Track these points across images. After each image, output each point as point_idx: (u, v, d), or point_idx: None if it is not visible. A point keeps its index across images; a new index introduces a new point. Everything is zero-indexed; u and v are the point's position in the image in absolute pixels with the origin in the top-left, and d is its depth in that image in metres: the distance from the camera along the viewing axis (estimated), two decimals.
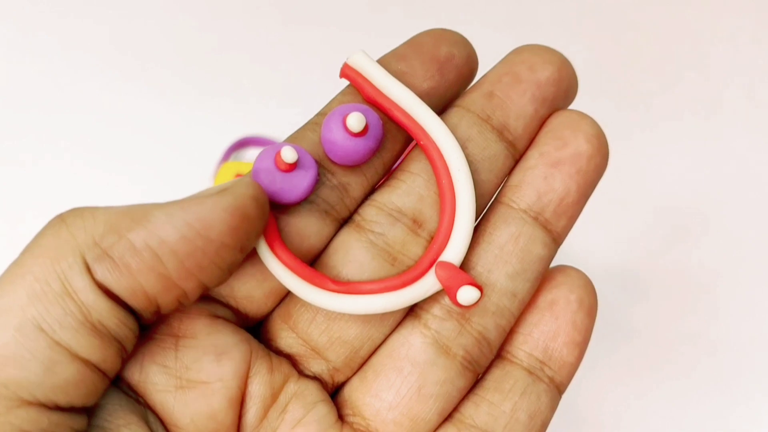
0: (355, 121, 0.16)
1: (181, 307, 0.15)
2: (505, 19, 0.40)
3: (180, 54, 0.38)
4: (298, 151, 0.16)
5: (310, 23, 0.39)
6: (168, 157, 0.35)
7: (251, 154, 0.36)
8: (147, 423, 0.15)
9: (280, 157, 0.16)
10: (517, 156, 0.18)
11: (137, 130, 0.36)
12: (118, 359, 0.15)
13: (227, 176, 0.33)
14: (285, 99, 0.37)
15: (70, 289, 0.14)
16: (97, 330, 0.14)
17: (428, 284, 0.17)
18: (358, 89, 0.17)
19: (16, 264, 0.14)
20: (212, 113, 0.36)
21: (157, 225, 0.15)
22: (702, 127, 0.37)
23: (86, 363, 0.14)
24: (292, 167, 0.16)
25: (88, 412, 0.15)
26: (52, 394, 0.13)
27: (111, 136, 0.36)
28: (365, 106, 0.17)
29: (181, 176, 0.35)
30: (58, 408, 0.14)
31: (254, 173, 0.16)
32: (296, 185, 0.16)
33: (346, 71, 0.18)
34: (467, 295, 0.16)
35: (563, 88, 0.18)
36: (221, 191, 0.15)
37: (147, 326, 0.16)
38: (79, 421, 0.14)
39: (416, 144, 0.17)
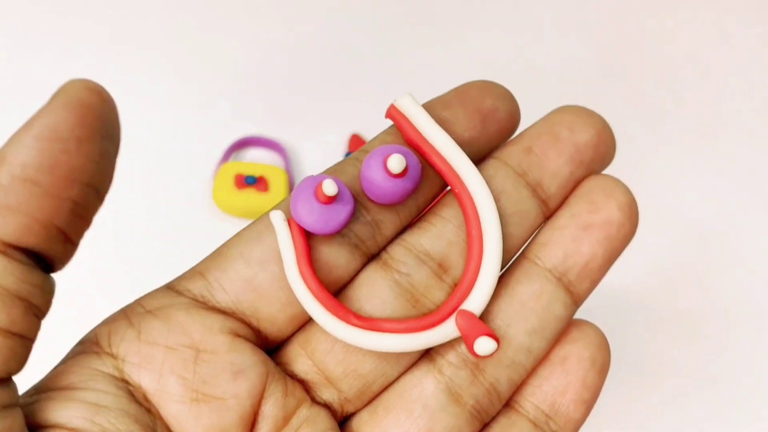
0: (396, 163, 0.16)
1: (85, 224, 0.15)
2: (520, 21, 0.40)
3: (180, 54, 0.38)
4: (338, 185, 0.16)
5: (310, 23, 0.39)
6: (168, 157, 0.35)
7: (251, 154, 0.36)
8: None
9: (321, 189, 0.16)
10: (547, 214, 0.18)
11: (137, 130, 0.36)
12: (32, 318, 0.14)
13: (227, 176, 0.33)
14: (285, 99, 0.37)
15: None
16: None
17: (448, 330, 0.17)
18: (401, 131, 0.18)
19: None
20: (212, 113, 0.36)
21: (12, 154, 0.14)
22: (712, 149, 0.37)
23: None
24: (332, 200, 0.16)
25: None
26: None
27: None
28: (406, 149, 0.17)
29: (181, 176, 0.35)
30: None
31: (293, 203, 0.16)
32: (333, 218, 0.16)
33: (392, 112, 0.18)
34: (484, 345, 0.17)
35: (601, 152, 0.18)
36: (52, 96, 0.15)
37: (55, 268, 0.15)
38: (5, 394, 0.14)
39: (450, 190, 0.18)
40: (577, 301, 0.18)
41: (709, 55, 0.39)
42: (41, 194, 0.14)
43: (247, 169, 0.33)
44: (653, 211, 0.36)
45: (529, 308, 0.17)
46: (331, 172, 0.18)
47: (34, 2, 0.39)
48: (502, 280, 0.18)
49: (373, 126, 0.36)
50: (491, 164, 0.18)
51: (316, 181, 0.16)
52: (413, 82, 0.38)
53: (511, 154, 0.18)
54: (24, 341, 0.14)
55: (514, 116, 0.18)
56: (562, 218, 0.18)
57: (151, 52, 0.38)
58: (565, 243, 0.18)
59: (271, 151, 0.35)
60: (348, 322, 0.16)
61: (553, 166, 0.18)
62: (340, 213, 0.16)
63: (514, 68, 0.38)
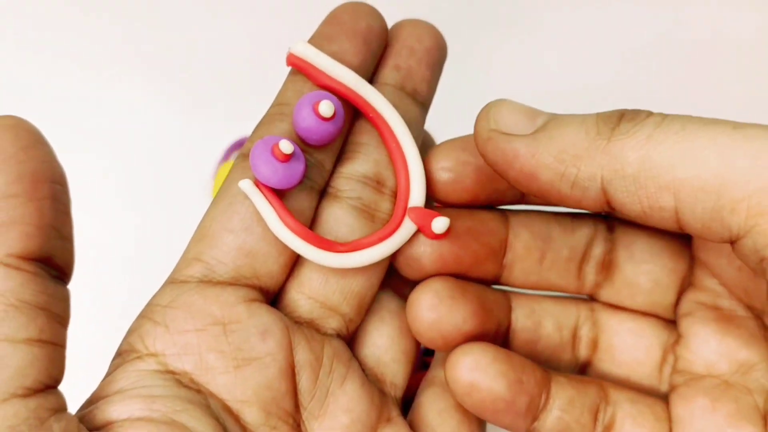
0: (326, 108, 0.19)
1: (68, 218, 0.16)
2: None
3: (180, 53, 0.38)
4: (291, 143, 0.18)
5: (310, 23, 0.39)
6: (168, 157, 0.35)
7: None
8: (209, 408, 0.17)
9: (278, 149, 0.18)
10: (426, 112, 0.22)
11: (137, 129, 0.36)
12: (57, 326, 0.16)
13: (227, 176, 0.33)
14: None
15: None
16: (20, 308, 0.15)
17: (408, 228, 0.20)
18: (308, 76, 0.20)
19: None
20: (212, 113, 0.36)
21: None
22: None
23: (29, 342, 0.15)
24: (289, 157, 0.18)
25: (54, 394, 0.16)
26: (18, 384, 0.14)
27: (110, 136, 0.36)
28: (327, 93, 0.19)
29: (181, 176, 0.35)
30: (32, 393, 0.15)
31: (255, 167, 0.18)
32: (294, 172, 0.19)
33: (293, 60, 0.20)
34: (439, 224, 0.20)
35: (443, 51, 0.22)
36: None
37: (65, 275, 0.17)
38: (55, 399, 0.15)
39: (364, 117, 0.21)
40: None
41: None
42: (24, 202, 0.15)
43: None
44: None
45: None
46: (263, 131, 0.20)
47: (35, 4, 0.39)
48: None
49: None
50: (378, 88, 0.21)
51: (269, 143, 0.18)
52: None
53: (386, 75, 0.21)
54: (56, 348, 0.15)
55: (385, 30, 0.22)
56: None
57: (150, 52, 0.38)
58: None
59: None
60: (336, 250, 0.19)
61: (419, 74, 0.21)
62: (299, 166, 0.19)
63: (521, 65, 0.38)
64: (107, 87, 0.37)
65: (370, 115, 0.20)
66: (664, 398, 0.20)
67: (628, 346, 0.21)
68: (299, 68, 0.20)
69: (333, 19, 0.21)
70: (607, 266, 0.21)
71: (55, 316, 0.16)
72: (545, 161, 0.17)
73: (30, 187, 0.15)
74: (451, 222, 0.20)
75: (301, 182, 0.19)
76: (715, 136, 0.15)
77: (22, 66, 0.38)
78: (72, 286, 0.33)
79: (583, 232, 0.21)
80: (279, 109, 0.20)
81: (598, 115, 0.17)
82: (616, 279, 0.21)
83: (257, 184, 0.19)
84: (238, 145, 0.35)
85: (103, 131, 0.36)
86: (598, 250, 0.21)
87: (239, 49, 0.38)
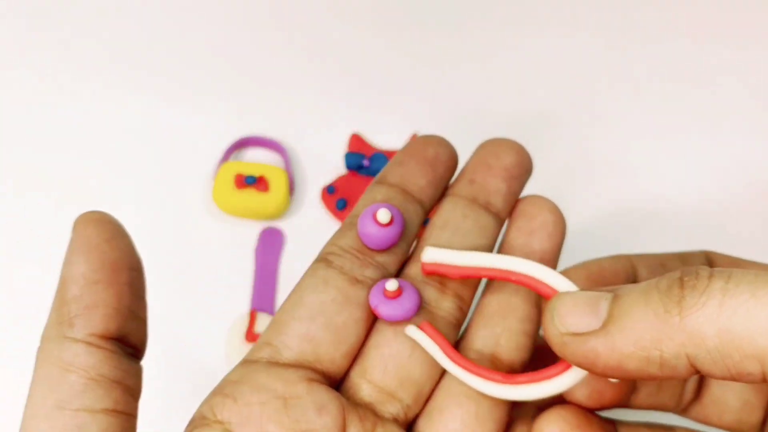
0: (384, 215, 0.21)
1: (143, 302, 0.19)
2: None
3: (180, 53, 0.38)
4: (400, 283, 0.20)
5: (311, 23, 0.39)
6: (168, 157, 0.35)
7: (251, 154, 0.36)
8: None
9: (386, 289, 0.20)
10: (502, 222, 0.23)
11: (137, 130, 0.36)
12: (129, 398, 0.18)
13: (227, 176, 0.33)
14: (285, 99, 0.37)
15: (66, 364, 0.17)
16: (99, 381, 0.17)
17: (568, 378, 0.19)
18: (445, 275, 0.21)
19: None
20: (212, 113, 0.36)
21: (66, 280, 0.19)
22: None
23: (106, 412, 0.17)
24: (399, 292, 0.20)
25: None
26: None
27: (110, 136, 0.36)
28: (387, 204, 0.21)
29: (181, 176, 0.35)
30: None
31: (384, 310, 0.20)
32: (409, 304, 0.21)
33: (427, 268, 0.21)
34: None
35: (524, 167, 0.24)
36: (71, 238, 0.20)
37: (139, 353, 0.19)
38: None
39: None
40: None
41: None
42: (105, 288, 0.18)
43: (247, 168, 0.33)
44: None
45: (506, 305, 0.22)
46: (336, 238, 0.22)
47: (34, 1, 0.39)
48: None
49: (373, 126, 0.36)
50: (448, 200, 0.23)
51: (380, 288, 0.20)
52: (413, 80, 0.38)
53: (460, 188, 0.23)
54: (129, 417, 0.18)
55: (453, 157, 0.24)
56: (510, 232, 0.23)
57: (150, 51, 0.38)
58: (521, 248, 0.23)
59: (271, 151, 0.35)
60: (495, 381, 0.20)
61: (493, 188, 0.23)
62: (412, 297, 0.21)
63: (512, 66, 0.38)
64: (107, 87, 0.37)
65: (514, 279, 0.21)
66: None
67: None
68: (437, 273, 0.21)
69: (406, 149, 0.24)
70: (699, 385, 0.23)
71: (128, 389, 0.18)
72: (627, 352, 0.17)
73: (111, 274, 0.18)
74: None
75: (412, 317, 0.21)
76: None
77: (24, 63, 0.38)
78: None
79: None
80: (351, 219, 0.22)
81: (657, 287, 0.17)
82: (705, 397, 0.23)
83: (421, 327, 0.21)
84: (238, 145, 0.35)
85: (103, 131, 0.36)
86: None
87: (239, 49, 0.38)
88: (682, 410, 0.23)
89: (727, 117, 0.38)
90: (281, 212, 0.33)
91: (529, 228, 0.23)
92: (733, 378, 0.16)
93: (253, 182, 0.33)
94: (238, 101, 0.37)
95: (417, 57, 0.38)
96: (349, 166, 0.34)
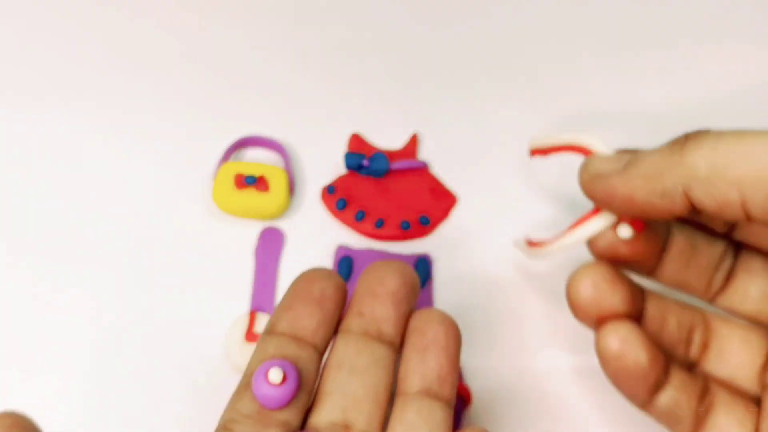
0: (275, 374, 0.21)
1: None
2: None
3: (180, 53, 0.38)
4: None
5: (311, 23, 0.39)
6: (168, 157, 0.35)
7: (251, 154, 0.36)
8: None
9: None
10: (397, 347, 0.24)
11: (136, 129, 0.36)
12: None
13: (227, 176, 0.33)
14: (285, 99, 0.37)
15: None
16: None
17: (606, 218, 0.24)
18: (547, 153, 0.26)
19: None
20: (212, 113, 0.36)
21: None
22: None
23: None
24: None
25: None
26: None
27: (110, 136, 0.36)
28: (279, 360, 0.22)
29: (181, 176, 0.35)
30: None
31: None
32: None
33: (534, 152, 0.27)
34: (624, 231, 0.24)
35: (409, 287, 0.24)
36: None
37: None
38: None
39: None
40: (449, 402, 0.23)
41: None
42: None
43: (247, 168, 0.33)
44: None
45: (418, 427, 0.22)
46: (232, 402, 0.23)
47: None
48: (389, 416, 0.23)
49: (374, 126, 0.36)
50: (341, 338, 0.24)
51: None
52: (414, 80, 0.38)
53: (350, 323, 0.24)
54: None
55: (340, 289, 0.24)
56: (405, 352, 0.23)
57: (150, 51, 0.38)
58: (416, 368, 0.23)
59: (271, 151, 0.35)
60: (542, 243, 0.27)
61: (382, 316, 0.23)
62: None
63: (519, 67, 0.38)
64: (107, 86, 0.37)
65: (576, 148, 0.25)
66: (758, 398, 0.24)
67: (735, 351, 0.25)
68: (540, 153, 0.27)
69: (292, 287, 0.24)
70: (729, 277, 0.26)
71: None
72: (637, 184, 0.22)
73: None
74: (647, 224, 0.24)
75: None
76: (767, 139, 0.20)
77: (24, 64, 0.38)
78: (72, 286, 0.33)
79: (719, 246, 0.26)
80: (245, 380, 0.23)
81: (668, 142, 0.21)
82: (731, 287, 0.26)
83: None
84: (238, 145, 0.35)
85: (103, 131, 0.36)
86: (727, 263, 0.26)
87: (239, 48, 0.38)
88: (711, 299, 0.26)
89: None
90: (281, 212, 0.33)
91: (422, 345, 0.23)
92: (719, 208, 0.20)
93: (253, 182, 0.33)
94: (238, 101, 0.37)
95: (417, 57, 0.38)
96: (349, 166, 0.34)
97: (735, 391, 0.25)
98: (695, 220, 0.26)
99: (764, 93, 0.38)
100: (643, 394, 0.24)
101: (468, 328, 0.31)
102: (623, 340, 0.23)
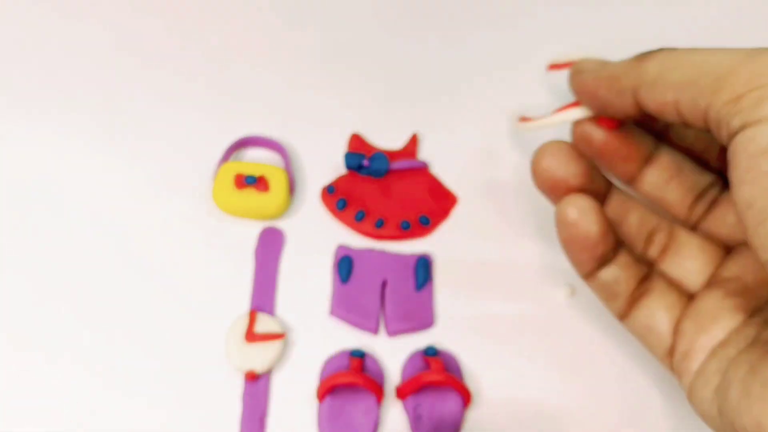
0: None
1: None
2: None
3: (179, 53, 0.38)
4: None
5: (311, 23, 0.39)
6: (168, 157, 0.35)
7: (251, 154, 0.36)
8: None
9: None
10: None
11: (136, 129, 0.36)
12: None
13: (227, 176, 0.33)
14: (285, 99, 0.37)
15: None
16: None
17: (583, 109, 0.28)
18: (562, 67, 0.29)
19: None
20: (212, 113, 0.36)
21: None
22: None
23: None
24: None
25: None
26: None
27: (110, 136, 0.36)
28: None
29: (181, 176, 0.34)
30: None
31: None
32: None
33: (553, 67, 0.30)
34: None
35: None
36: None
37: None
38: None
39: None
40: None
41: None
42: None
43: (247, 168, 0.33)
44: None
45: None
46: None
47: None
48: None
49: (374, 126, 0.36)
50: None
51: None
52: (414, 80, 0.38)
53: None
54: None
55: None
56: None
57: (150, 51, 0.38)
58: None
59: (271, 151, 0.35)
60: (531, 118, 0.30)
61: None
62: None
63: (519, 66, 0.38)
64: (107, 86, 0.37)
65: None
66: (694, 294, 0.27)
67: (690, 256, 0.27)
68: (558, 67, 0.29)
69: None
70: (711, 206, 0.28)
71: None
72: (601, 83, 0.25)
73: None
74: (619, 125, 0.27)
75: None
76: (713, 52, 0.22)
77: (23, 62, 0.38)
78: (71, 286, 0.33)
79: (707, 177, 0.28)
80: None
81: (636, 54, 0.25)
82: (711, 214, 0.28)
83: None
84: (239, 145, 0.35)
85: (102, 131, 0.36)
86: (712, 194, 0.28)
87: (239, 48, 0.38)
88: (694, 224, 0.28)
89: None
90: (281, 212, 0.33)
91: None
92: (658, 109, 0.23)
93: (253, 182, 0.33)
94: (238, 101, 0.37)
95: (417, 57, 0.38)
96: (349, 166, 0.34)
97: (674, 284, 0.27)
98: (648, 123, 0.29)
99: None
100: (589, 264, 0.26)
101: (468, 327, 0.32)
102: (580, 210, 0.25)
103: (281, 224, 0.34)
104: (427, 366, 0.30)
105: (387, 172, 0.34)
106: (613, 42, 0.39)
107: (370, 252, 0.33)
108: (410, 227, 0.33)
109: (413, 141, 0.36)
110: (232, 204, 0.33)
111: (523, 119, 0.30)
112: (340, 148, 0.35)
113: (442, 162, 0.35)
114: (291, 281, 0.32)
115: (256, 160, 0.35)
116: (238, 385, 0.30)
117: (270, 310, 0.32)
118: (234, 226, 0.33)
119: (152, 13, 0.39)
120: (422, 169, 0.35)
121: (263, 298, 0.32)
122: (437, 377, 0.29)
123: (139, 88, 0.37)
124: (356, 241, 0.33)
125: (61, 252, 0.33)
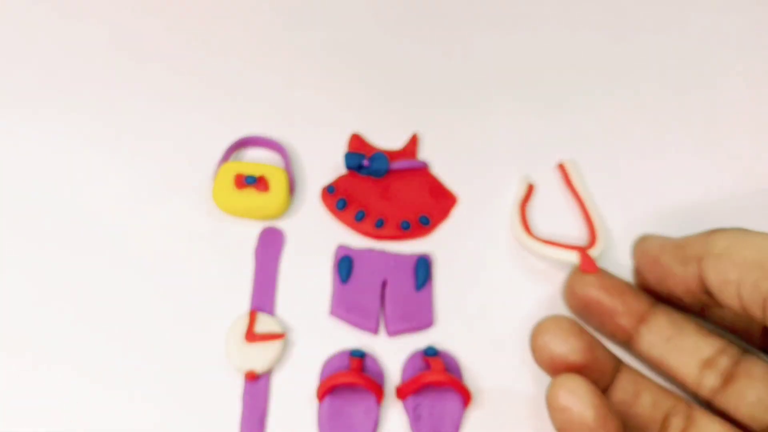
0: None
1: None
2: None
3: (179, 53, 0.38)
4: None
5: (311, 23, 0.39)
6: (168, 157, 0.35)
7: (251, 154, 0.36)
8: None
9: None
10: None
11: (136, 129, 0.36)
12: None
13: (227, 176, 0.33)
14: (285, 99, 0.37)
15: None
16: None
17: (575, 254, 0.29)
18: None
19: None
20: (212, 113, 0.36)
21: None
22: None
23: None
24: None
25: None
26: None
27: (109, 136, 0.36)
28: None
29: (181, 176, 0.34)
30: None
31: None
32: None
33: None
34: (595, 252, 0.30)
35: None
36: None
37: None
38: None
39: None
40: None
41: None
42: None
43: (247, 168, 0.33)
44: None
45: None
46: None
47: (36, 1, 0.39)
48: None
49: (374, 126, 0.36)
50: None
51: None
52: (414, 80, 0.38)
53: None
54: None
55: None
56: None
57: (150, 51, 0.38)
58: None
59: (271, 151, 0.35)
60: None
61: None
62: None
63: (517, 67, 0.38)
64: (107, 86, 0.37)
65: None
66: None
67: None
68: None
69: None
70: (729, 379, 0.26)
71: None
72: (666, 249, 0.25)
73: None
74: (610, 280, 0.28)
75: None
76: None
77: (23, 62, 0.38)
78: (71, 285, 0.33)
79: (715, 342, 0.26)
80: None
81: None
82: (729, 389, 0.26)
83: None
84: (238, 145, 0.35)
85: (102, 130, 0.36)
86: (724, 362, 0.26)
87: (239, 48, 0.38)
88: (707, 398, 0.26)
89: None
90: (281, 212, 0.33)
91: None
92: (720, 287, 0.23)
93: (253, 182, 0.33)
94: (238, 101, 0.37)
95: (417, 57, 0.38)
96: (349, 166, 0.34)
97: None
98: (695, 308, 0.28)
99: None
100: None
101: (468, 327, 0.32)
102: (571, 392, 0.23)
103: (281, 224, 0.34)
104: (427, 366, 0.30)
105: (387, 172, 0.35)
106: (613, 39, 0.39)
107: (370, 252, 0.33)
108: (410, 227, 0.33)
109: (413, 141, 0.36)
110: (232, 204, 0.33)
111: (524, 223, 0.32)
112: (340, 148, 0.35)
113: (442, 162, 0.35)
114: (291, 281, 0.32)
115: (256, 160, 0.35)
116: (238, 385, 0.30)
117: (270, 310, 0.32)
118: (234, 226, 0.33)
119: (152, 13, 0.39)
120: (422, 169, 0.35)
121: (263, 298, 0.32)
122: (437, 377, 0.29)
123: (139, 88, 0.37)
124: (356, 241, 0.33)
125: (60, 252, 0.33)
